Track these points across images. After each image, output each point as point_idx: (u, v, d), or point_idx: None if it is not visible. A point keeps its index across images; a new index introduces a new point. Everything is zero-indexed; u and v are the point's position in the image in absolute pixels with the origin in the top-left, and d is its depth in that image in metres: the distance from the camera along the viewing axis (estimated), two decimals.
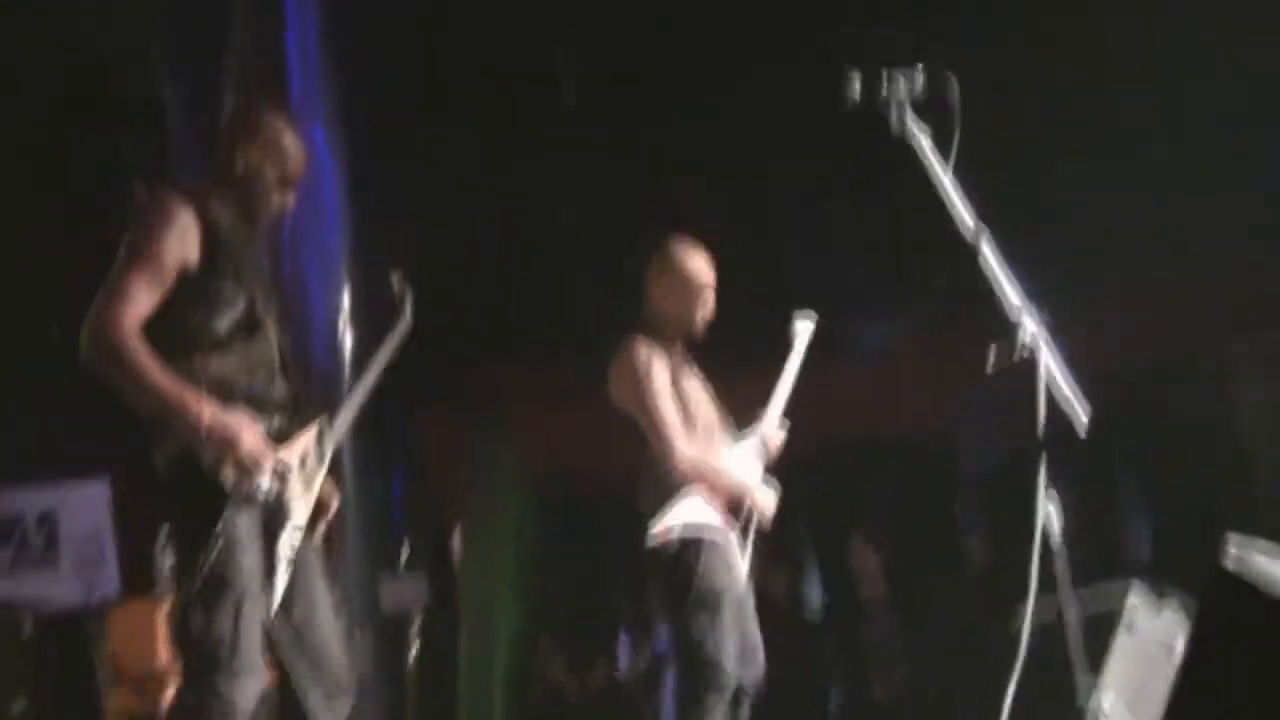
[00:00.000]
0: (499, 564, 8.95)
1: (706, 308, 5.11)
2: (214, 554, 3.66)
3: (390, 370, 4.55)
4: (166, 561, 3.97)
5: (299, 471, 3.93)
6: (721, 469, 4.92)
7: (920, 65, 3.67)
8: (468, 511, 9.19)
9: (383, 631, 8.03)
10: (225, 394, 3.79)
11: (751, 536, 4.99)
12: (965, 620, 6.08)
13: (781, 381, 5.34)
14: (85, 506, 7.06)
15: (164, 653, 5.24)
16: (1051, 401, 3.38)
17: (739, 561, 4.90)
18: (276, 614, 3.88)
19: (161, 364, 3.67)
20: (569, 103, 9.52)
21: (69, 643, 6.04)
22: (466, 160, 9.41)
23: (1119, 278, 8.37)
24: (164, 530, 3.94)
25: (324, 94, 8.36)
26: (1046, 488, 3.40)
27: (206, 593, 3.67)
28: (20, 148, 8.27)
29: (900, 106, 3.65)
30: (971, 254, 3.46)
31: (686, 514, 4.79)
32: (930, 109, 3.64)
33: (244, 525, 3.74)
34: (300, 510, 3.92)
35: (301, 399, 4.06)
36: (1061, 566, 3.39)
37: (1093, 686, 3.73)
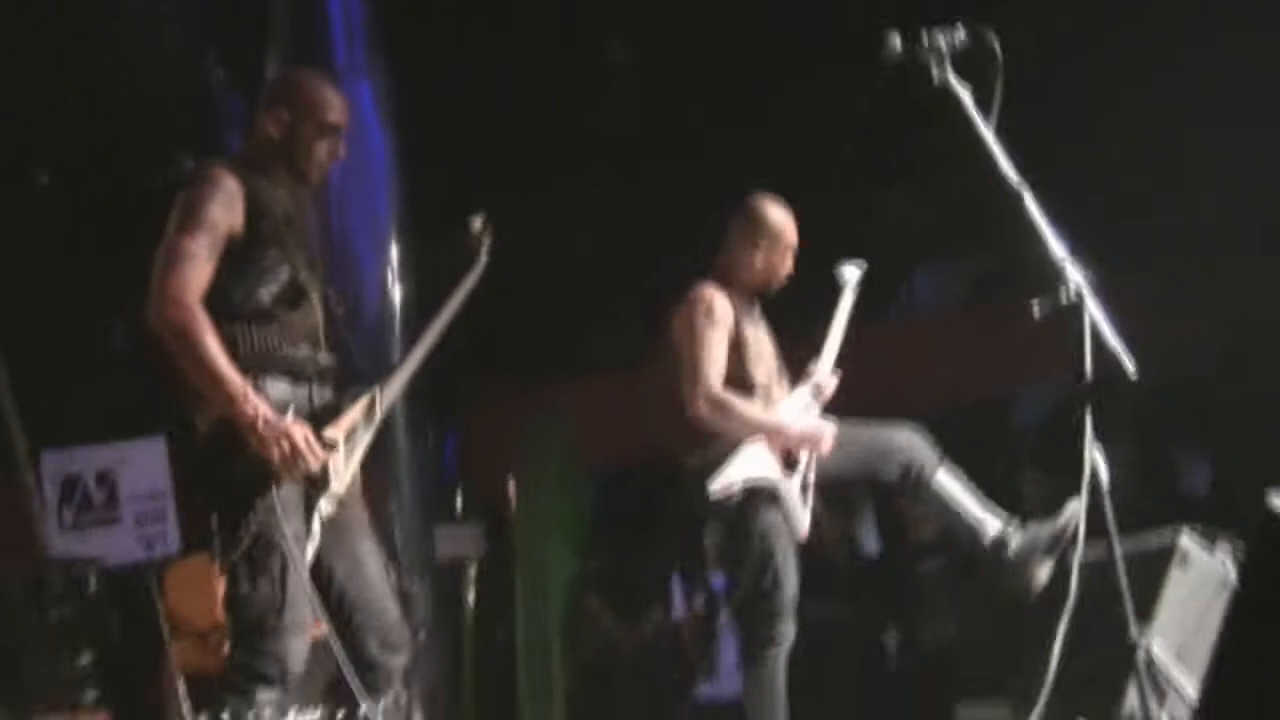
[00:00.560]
0: (554, 513, 9.01)
1: (787, 267, 5.19)
2: (258, 520, 3.74)
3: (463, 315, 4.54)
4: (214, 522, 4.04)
5: (344, 444, 3.99)
6: (750, 410, 4.92)
7: (959, 22, 3.69)
8: (522, 460, 9.24)
9: (440, 580, 8.14)
10: (265, 363, 3.86)
11: (811, 487, 5.00)
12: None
13: (832, 330, 5.37)
14: (144, 464, 7.14)
15: (223, 607, 5.34)
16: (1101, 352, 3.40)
17: (799, 512, 4.94)
18: (323, 574, 3.96)
19: (222, 346, 3.73)
20: (619, 55, 9.53)
21: (132, 599, 6.14)
22: (521, 113, 9.43)
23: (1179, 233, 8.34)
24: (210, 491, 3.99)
25: (369, 53, 8.40)
26: (1094, 436, 3.42)
27: (253, 557, 3.76)
28: (72, 126, 8.36)
29: (940, 59, 3.67)
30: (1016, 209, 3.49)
31: (746, 468, 4.83)
32: (972, 66, 3.67)
33: (287, 493, 3.81)
34: (341, 481, 3.98)
35: (350, 368, 4.12)
36: (1110, 510, 3.42)
37: (1143, 625, 3.77)
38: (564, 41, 9.34)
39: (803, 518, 4.94)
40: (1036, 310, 3.40)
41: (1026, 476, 7.56)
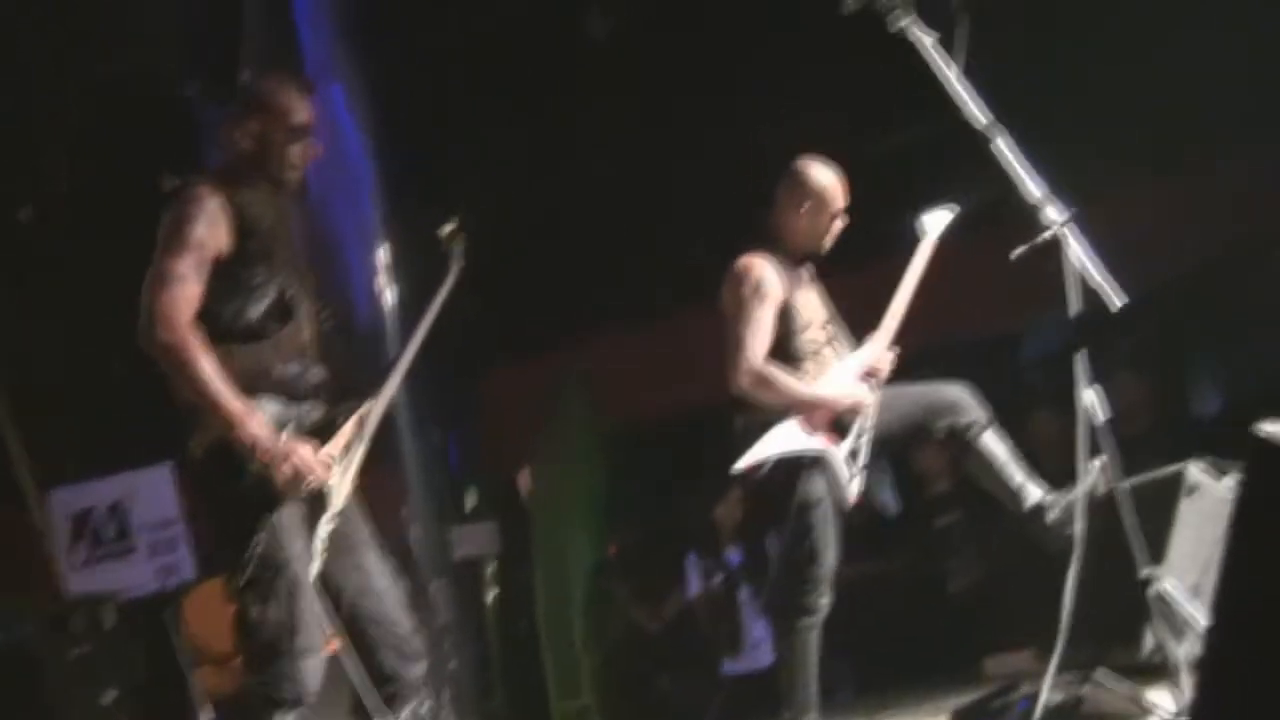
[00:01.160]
0: (571, 501, 8.99)
1: (836, 230, 5.13)
2: (261, 543, 3.72)
3: (449, 317, 4.52)
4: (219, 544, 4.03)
5: (341, 460, 3.96)
6: (793, 385, 4.90)
7: None
8: (537, 452, 9.23)
9: (459, 580, 8.12)
10: (257, 382, 3.82)
11: (864, 453, 4.95)
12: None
13: (902, 286, 5.21)
14: (153, 493, 7.14)
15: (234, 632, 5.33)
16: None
17: (845, 480, 4.89)
18: (333, 592, 3.94)
19: (219, 366, 3.70)
20: (598, 37, 9.46)
21: (152, 630, 6.14)
22: (502, 109, 9.38)
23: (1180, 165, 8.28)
24: (212, 515, 3.97)
25: (340, 55, 8.35)
26: (1093, 373, 3.39)
27: (259, 581, 3.73)
28: (54, 155, 8.34)
29: (898, 6, 3.64)
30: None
31: (777, 445, 4.81)
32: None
33: (289, 514, 3.78)
34: (339, 497, 3.95)
35: (344, 382, 4.09)
36: (1110, 446, 3.39)
37: (1154, 562, 3.73)
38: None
39: (850, 486, 4.89)
40: (1014, 255, 3.36)
41: (1034, 413, 7.53)
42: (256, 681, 3.79)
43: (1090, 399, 3.29)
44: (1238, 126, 7.81)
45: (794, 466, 4.82)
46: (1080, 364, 3.29)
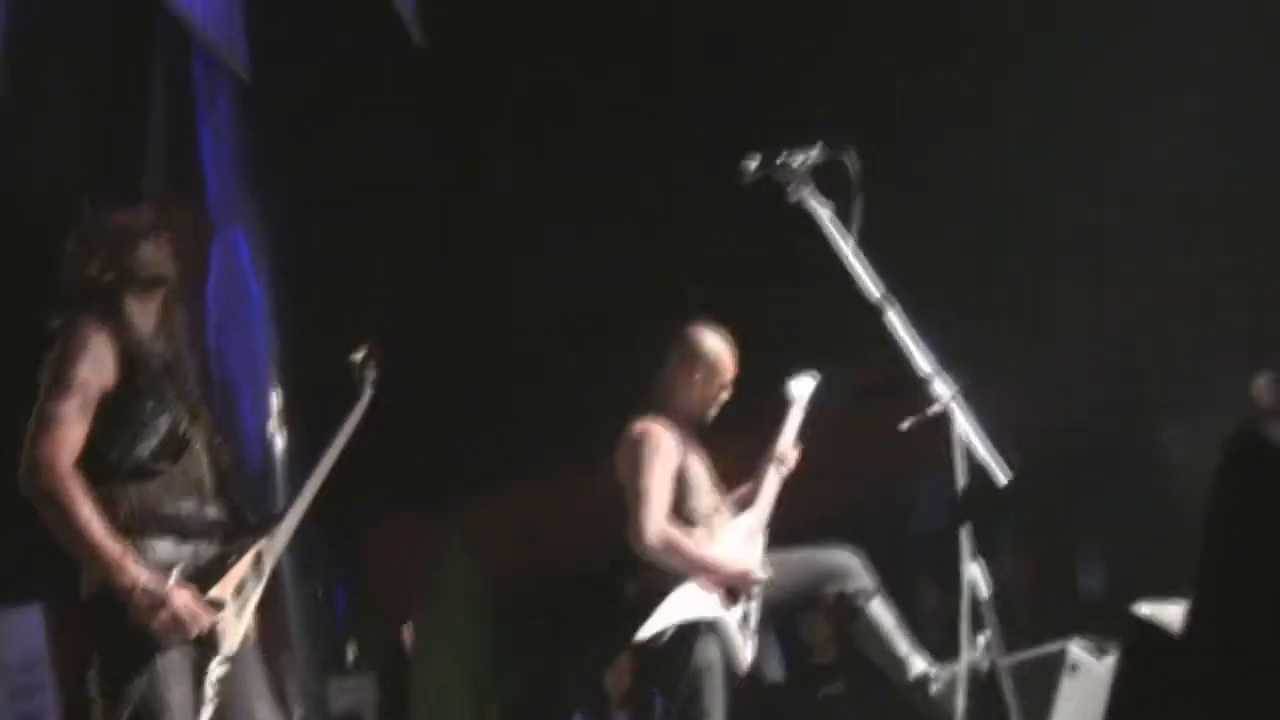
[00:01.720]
0: (452, 659, 8.86)
1: (724, 397, 5.16)
2: (140, 688, 3.59)
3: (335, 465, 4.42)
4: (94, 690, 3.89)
5: (234, 602, 3.83)
6: (694, 551, 4.88)
7: (820, 143, 3.74)
8: (420, 608, 9.11)
9: None
10: (146, 522, 3.71)
11: (755, 618, 4.94)
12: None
13: (776, 447, 5.29)
14: (19, 634, 6.93)
15: None
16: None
17: (740, 645, 4.87)
18: None
19: (98, 512, 3.60)
20: (503, 185, 9.56)
21: None
22: (402, 247, 9.42)
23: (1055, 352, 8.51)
24: (92, 658, 3.84)
25: (244, 199, 8.36)
26: (976, 548, 3.41)
27: None
28: None
29: (796, 178, 3.71)
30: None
31: (680, 610, 4.78)
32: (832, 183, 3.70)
33: (173, 658, 3.65)
34: (231, 641, 3.82)
35: (239, 519, 3.98)
36: (992, 621, 3.40)
37: None
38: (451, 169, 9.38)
39: (744, 650, 4.88)
40: (904, 426, 3.40)
41: (921, 586, 7.58)
42: None
43: (974, 573, 3.30)
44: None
45: (690, 631, 4.79)
46: (965, 538, 3.30)
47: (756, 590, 4.95)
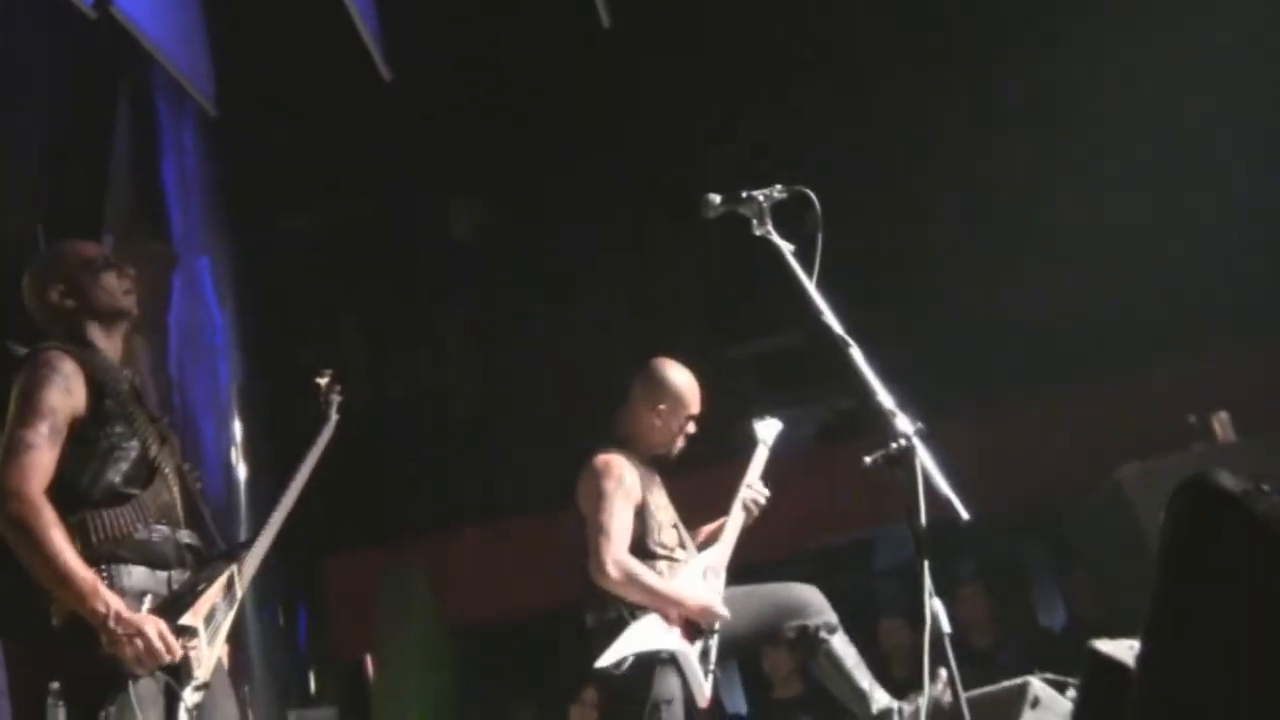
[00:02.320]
0: (413, 692, 8.84)
1: (688, 432, 5.17)
2: (114, 716, 3.55)
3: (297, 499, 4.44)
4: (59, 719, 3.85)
5: (205, 629, 3.80)
6: (656, 583, 4.89)
7: (778, 186, 3.78)
8: (381, 640, 9.09)
9: None
10: (118, 549, 3.70)
11: (715, 652, 4.93)
12: None
13: (741, 488, 5.30)
14: None
15: None
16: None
17: (700, 679, 4.86)
18: None
19: (69, 540, 3.58)
20: (462, 231, 9.59)
21: None
22: (365, 278, 9.43)
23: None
24: (56, 688, 3.81)
25: (206, 227, 8.35)
26: (934, 587, 3.42)
27: None
28: None
29: (760, 214, 3.74)
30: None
31: (639, 640, 4.78)
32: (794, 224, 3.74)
33: (145, 686, 3.61)
34: (205, 668, 3.78)
35: (209, 546, 3.96)
36: (951, 658, 3.41)
37: None
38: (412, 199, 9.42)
39: (704, 684, 4.87)
40: (867, 462, 3.41)
41: (883, 621, 7.62)
42: None
43: (936, 609, 3.31)
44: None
45: (650, 663, 4.79)
46: (925, 575, 3.32)
47: (717, 625, 4.96)
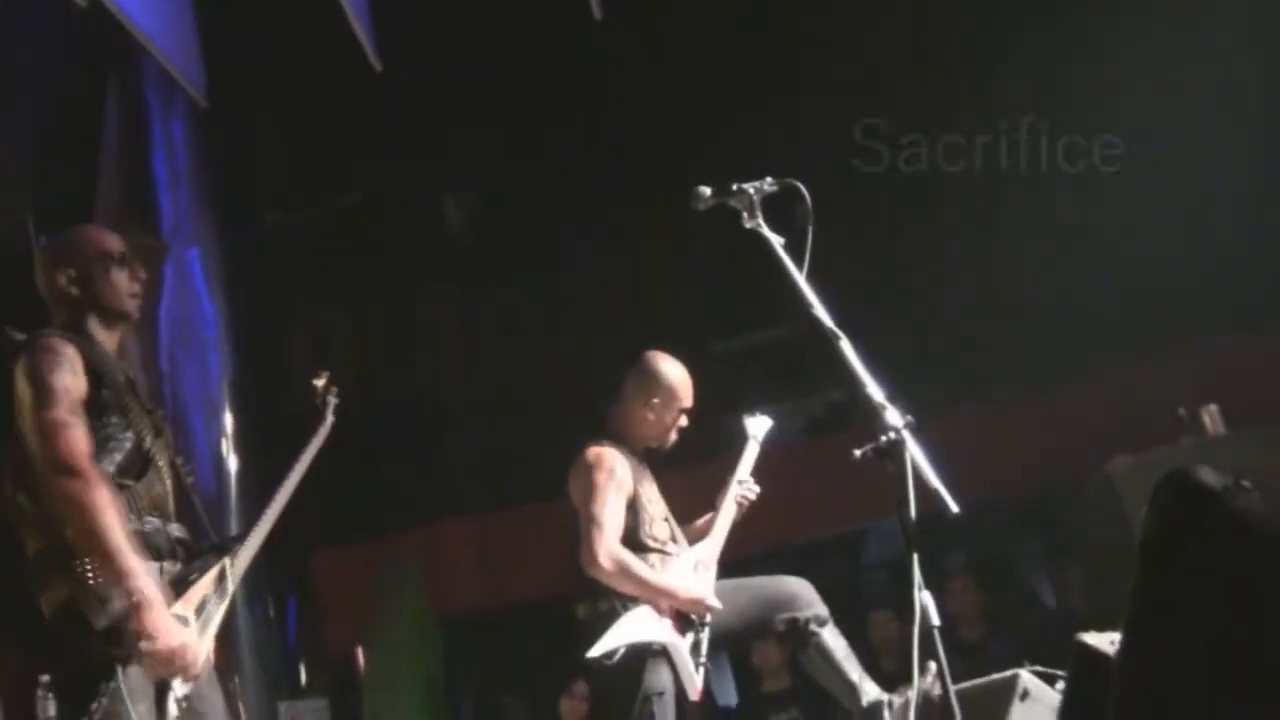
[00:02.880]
0: (403, 684, 8.84)
1: (680, 426, 5.16)
2: (103, 707, 3.54)
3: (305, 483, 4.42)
4: (49, 712, 3.85)
5: (196, 620, 3.79)
6: (649, 575, 4.89)
7: (768, 178, 3.78)
8: (371, 632, 9.09)
9: None
10: None
11: (705, 646, 4.92)
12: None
13: (730, 485, 5.30)
14: None
15: None
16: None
17: (691, 671, 4.86)
18: None
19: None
20: (454, 223, 9.59)
21: None
22: (357, 269, 9.42)
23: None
24: (46, 680, 3.81)
25: (199, 219, 8.35)
26: (923, 580, 3.42)
27: None
28: None
29: (750, 206, 3.74)
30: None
31: (631, 631, 4.77)
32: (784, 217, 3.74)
33: (135, 676, 3.60)
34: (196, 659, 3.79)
35: (200, 539, 3.95)
36: (940, 650, 3.42)
37: None
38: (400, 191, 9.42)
39: (695, 676, 4.87)
40: (857, 454, 3.41)
41: (873, 615, 7.63)
42: None
43: (925, 601, 3.31)
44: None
45: (642, 655, 4.78)
46: (915, 568, 3.32)
47: (708, 619, 4.96)
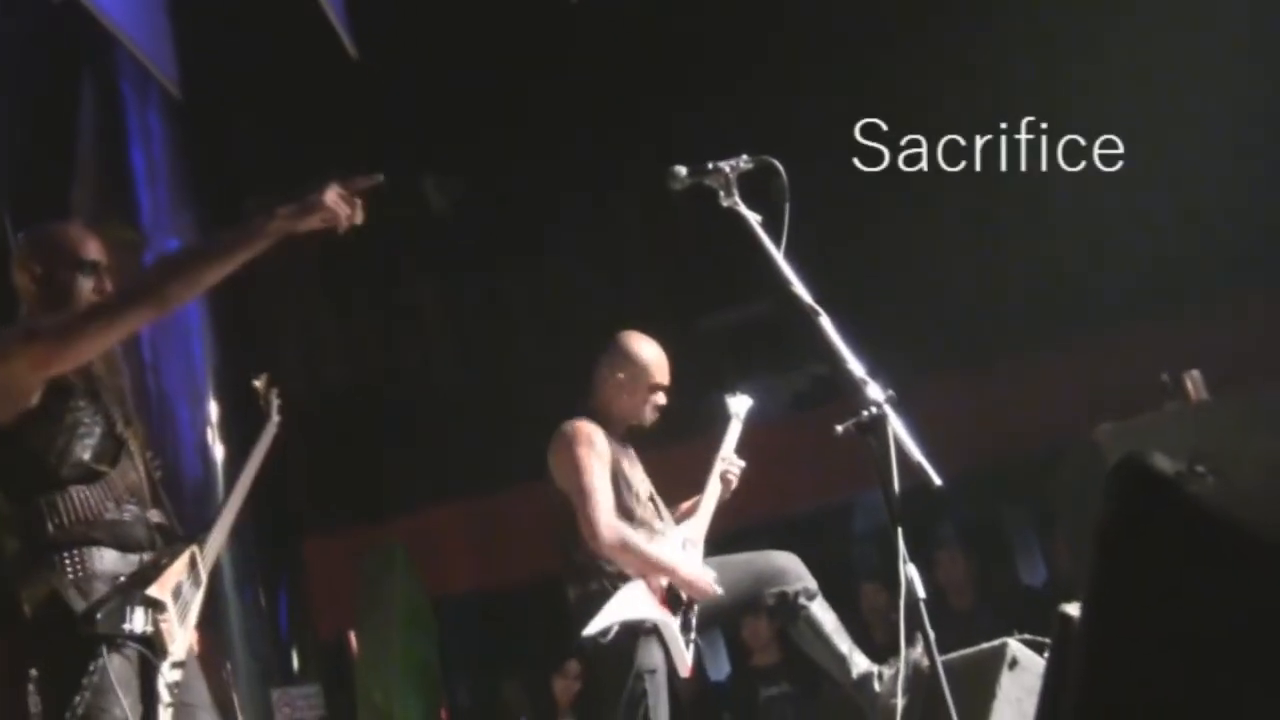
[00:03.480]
0: (396, 668, 8.85)
1: (654, 405, 5.14)
2: (86, 700, 3.55)
3: (272, 479, 4.48)
4: (34, 708, 3.85)
5: (174, 604, 3.79)
6: (650, 549, 4.88)
7: (744, 156, 3.77)
8: (362, 617, 9.11)
9: None
10: (92, 530, 3.67)
11: (694, 624, 4.94)
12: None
13: (715, 463, 5.31)
14: None
15: None
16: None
17: (682, 649, 4.87)
18: None
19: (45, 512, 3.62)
20: (438, 208, 9.57)
21: None
22: (334, 276, 9.41)
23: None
24: (31, 675, 3.81)
25: (175, 209, 8.32)
26: (909, 552, 3.43)
27: None
28: None
29: (726, 185, 3.74)
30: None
31: (626, 608, 4.78)
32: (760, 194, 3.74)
33: (118, 667, 3.60)
34: (179, 645, 3.78)
35: (175, 525, 3.95)
36: (926, 621, 3.43)
37: None
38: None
39: (685, 654, 4.88)
40: (839, 430, 3.41)
41: (863, 587, 7.65)
42: None
43: (910, 574, 3.33)
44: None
45: (633, 633, 4.79)
46: (899, 541, 3.33)
47: (694, 599, 4.97)
